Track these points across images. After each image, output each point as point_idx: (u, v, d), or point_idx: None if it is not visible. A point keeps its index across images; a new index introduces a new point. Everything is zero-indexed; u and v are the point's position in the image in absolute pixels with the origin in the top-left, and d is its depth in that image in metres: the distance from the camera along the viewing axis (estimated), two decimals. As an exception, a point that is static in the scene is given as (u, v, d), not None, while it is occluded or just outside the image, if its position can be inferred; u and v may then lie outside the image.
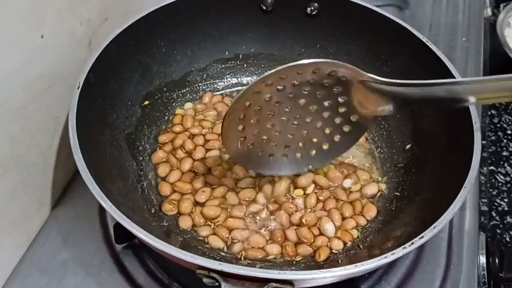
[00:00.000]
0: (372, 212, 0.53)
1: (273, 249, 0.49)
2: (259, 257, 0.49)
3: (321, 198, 0.54)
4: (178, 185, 0.54)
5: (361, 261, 0.39)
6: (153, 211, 0.52)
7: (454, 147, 0.50)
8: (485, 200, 0.62)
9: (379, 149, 0.59)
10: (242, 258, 0.49)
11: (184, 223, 0.52)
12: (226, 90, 0.65)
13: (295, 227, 0.51)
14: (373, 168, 0.58)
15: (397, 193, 0.54)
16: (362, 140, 0.59)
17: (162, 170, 0.56)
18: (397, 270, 0.51)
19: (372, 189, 0.55)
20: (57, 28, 0.50)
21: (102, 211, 0.55)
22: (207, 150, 0.58)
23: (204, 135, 0.59)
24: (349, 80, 0.45)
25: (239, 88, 0.65)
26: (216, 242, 0.50)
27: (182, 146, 0.58)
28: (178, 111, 0.62)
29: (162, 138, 0.59)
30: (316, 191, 0.55)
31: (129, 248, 0.52)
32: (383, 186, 0.56)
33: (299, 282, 0.39)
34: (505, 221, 0.63)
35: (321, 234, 0.51)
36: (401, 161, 0.57)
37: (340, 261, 0.48)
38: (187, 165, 0.56)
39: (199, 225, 0.51)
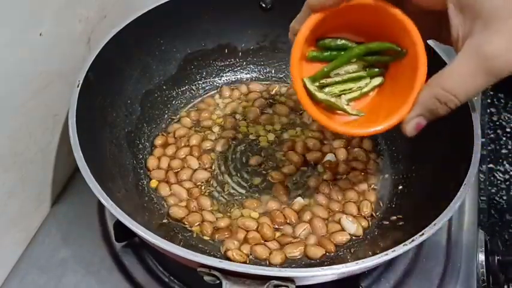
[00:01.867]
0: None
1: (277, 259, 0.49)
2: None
3: (323, 202, 0.54)
4: (176, 189, 0.54)
5: (362, 258, 0.39)
6: (153, 209, 0.52)
7: (453, 144, 0.50)
8: (484, 198, 0.62)
9: (378, 146, 0.59)
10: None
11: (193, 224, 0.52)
12: (225, 87, 0.65)
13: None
14: (373, 165, 0.58)
15: (397, 190, 0.54)
16: (363, 138, 0.60)
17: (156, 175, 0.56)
18: (396, 268, 0.51)
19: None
20: (56, 26, 0.50)
21: (101, 209, 0.55)
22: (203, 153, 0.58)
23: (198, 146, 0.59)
24: None
25: (238, 85, 0.65)
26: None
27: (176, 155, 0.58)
28: (182, 113, 0.62)
29: (158, 141, 0.59)
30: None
31: (128, 246, 0.52)
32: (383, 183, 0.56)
33: (300, 280, 0.39)
34: (504, 219, 0.63)
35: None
36: (401, 159, 0.57)
37: (341, 258, 0.48)
38: (183, 176, 0.56)
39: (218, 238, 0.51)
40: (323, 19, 0.41)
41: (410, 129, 0.40)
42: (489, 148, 0.70)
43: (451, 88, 0.37)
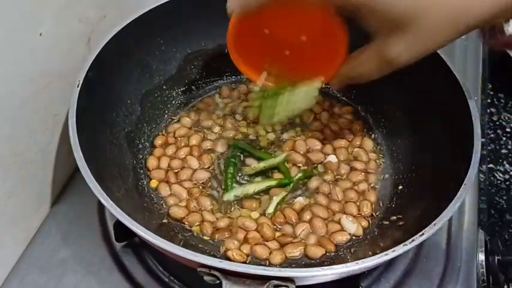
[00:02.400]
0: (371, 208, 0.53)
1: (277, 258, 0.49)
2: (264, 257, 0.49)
3: (323, 202, 0.54)
4: (176, 189, 0.54)
5: (362, 258, 0.39)
6: (153, 209, 0.52)
7: (453, 144, 0.50)
8: (484, 198, 0.62)
9: (378, 147, 0.59)
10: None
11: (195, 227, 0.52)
12: (225, 87, 0.65)
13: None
14: (373, 165, 0.58)
15: (397, 190, 0.54)
16: (363, 139, 0.60)
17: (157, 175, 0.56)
18: (396, 268, 0.51)
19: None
20: (56, 26, 0.50)
21: (101, 209, 0.55)
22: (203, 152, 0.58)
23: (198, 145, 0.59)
24: None
25: (238, 85, 0.65)
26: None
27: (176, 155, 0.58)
28: (182, 113, 0.62)
29: (158, 142, 0.59)
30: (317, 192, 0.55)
31: (128, 246, 0.52)
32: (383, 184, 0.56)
33: (300, 280, 0.39)
34: (504, 219, 0.63)
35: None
36: (401, 159, 0.57)
37: (341, 258, 0.49)
38: (183, 176, 0.56)
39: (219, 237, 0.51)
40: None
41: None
42: (489, 148, 0.70)
43: (360, 72, 0.46)
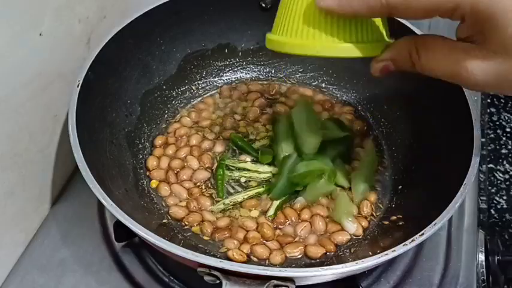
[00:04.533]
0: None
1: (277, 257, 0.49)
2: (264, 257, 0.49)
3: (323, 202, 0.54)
4: (176, 189, 0.54)
5: (362, 258, 0.39)
6: (153, 209, 0.52)
7: (453, 144, 0.50)
8: (484, 198, 0.62)
9: (378, 146, 0.59)
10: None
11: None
12: (225, 87, 0.65)
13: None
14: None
15: (397, 190, 0.54)
16: (363, 138, 0.60)
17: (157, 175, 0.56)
18: (396, 268, 0.51)
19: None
20: (56, 26, 0.50)
21: (101, 209, 0.55)
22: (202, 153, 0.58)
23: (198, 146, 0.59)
24: None
25: (238, 85, 0.65)
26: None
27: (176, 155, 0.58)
28: (182, 113, 0.62)
29: (158, 141, 0.59)
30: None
31: (128, 246, 0.52)
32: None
33: (300, 280, 0.39)
34: (504, 219, 0.63)
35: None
36: (401, 158, 0.57)
37: (341, 258, 0.48)
38: (184, 176, 0.56)
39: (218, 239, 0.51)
40: None
41: (375, 69, 0.40)
42: (489, 148, 0.70)
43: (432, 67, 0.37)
